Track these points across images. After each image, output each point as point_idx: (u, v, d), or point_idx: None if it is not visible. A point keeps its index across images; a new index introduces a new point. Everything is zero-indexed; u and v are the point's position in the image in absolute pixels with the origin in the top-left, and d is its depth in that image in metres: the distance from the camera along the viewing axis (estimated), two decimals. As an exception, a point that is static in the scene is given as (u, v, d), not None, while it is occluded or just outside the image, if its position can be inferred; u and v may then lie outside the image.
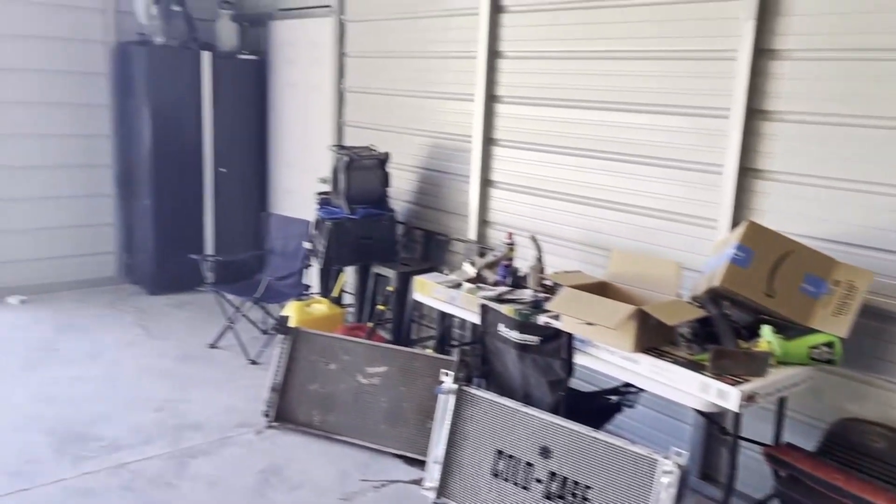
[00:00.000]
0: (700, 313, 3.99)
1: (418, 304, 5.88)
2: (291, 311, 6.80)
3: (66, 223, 9.13)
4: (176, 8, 8.82)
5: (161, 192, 8.93)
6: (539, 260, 5.25)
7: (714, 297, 4.07)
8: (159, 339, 7.60)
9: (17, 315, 8.20)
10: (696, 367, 3.72)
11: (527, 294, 5.03)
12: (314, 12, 8.53)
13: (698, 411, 3.75)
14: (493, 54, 6.35)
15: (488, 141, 6.50)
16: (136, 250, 9.42)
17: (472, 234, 6.66)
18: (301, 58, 8.99)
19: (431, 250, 7.25)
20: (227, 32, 9.36)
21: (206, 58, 8.99)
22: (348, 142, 8.06)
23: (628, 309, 3.89)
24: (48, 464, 5.02)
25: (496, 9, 6.26)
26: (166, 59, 8.80)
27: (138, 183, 9.10)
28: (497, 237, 6.42)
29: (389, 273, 6.85)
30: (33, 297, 8.78)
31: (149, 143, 8.77)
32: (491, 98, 6.43)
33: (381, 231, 7.12)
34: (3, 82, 8.45)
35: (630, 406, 4.58)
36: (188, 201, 9.20)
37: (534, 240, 5.32)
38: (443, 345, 5.78)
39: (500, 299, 4.93)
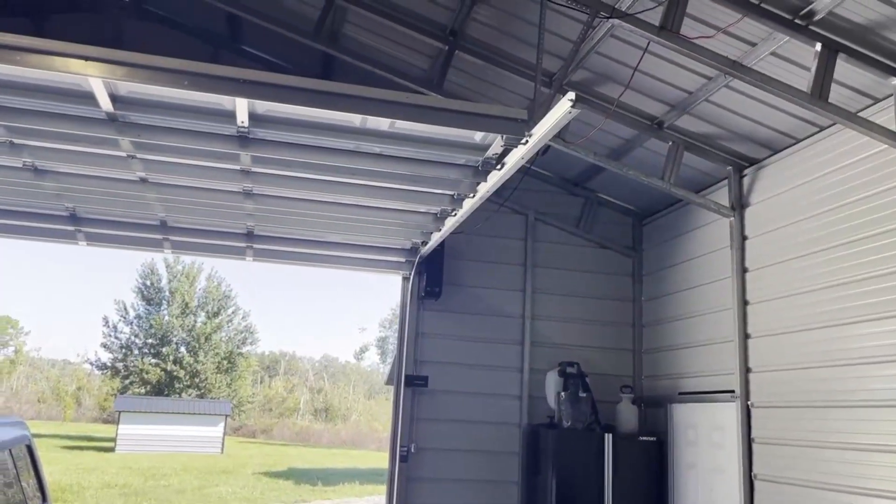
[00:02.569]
0: None
1: None
2: None
3: None
4: (582, 394, 9.65)
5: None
6: None
7: None
8: None
9: None
10: None
11: None
12: (717, 397, 8.60)
13: None
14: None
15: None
16: None
17: None
18: (701, 440, 8.90)
19: None
20: (627, 415, 9.83)
21: (607, 439, 9.42)
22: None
23: None
24: None
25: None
26: (571, 440, 9.43)
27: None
28: None
29: None
30: None
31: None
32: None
33: None
34: (443, 459, 9.82)
35: None
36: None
37: None
38: None
39: None
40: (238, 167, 6.82)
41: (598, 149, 9.61)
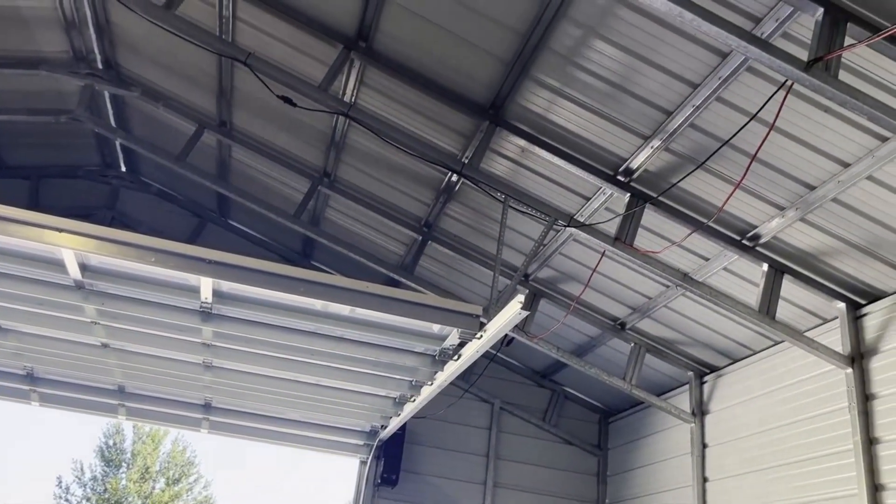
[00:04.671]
0: None
1: None
2: None
3: None
4: None
5: None
6: None
7: None
8: None
9: None
10: None
11: None
12: None
13: None
14: None
15: None
16: None
17: None
18: None
19: None
20: None
21: None
22: None
23: None
24: None
25: None
26: None
27: None
28: None
29: None
30: None
31: None
32: None
33: None
34: None
35: None
36: None
37: None
38: None
39: None
40: (199, 340, 6.88)
41: (564, 344, 9.75)
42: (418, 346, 6.66)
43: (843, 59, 4.60)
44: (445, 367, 6.78)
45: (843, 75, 4.63)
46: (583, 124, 6.35)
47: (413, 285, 9.29)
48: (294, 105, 6.78)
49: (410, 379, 7.42)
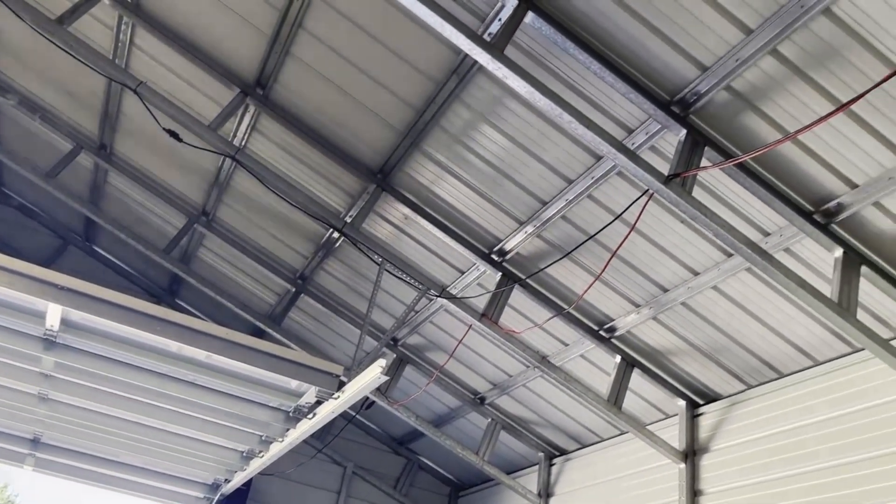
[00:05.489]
0: None
1: None
2: None
3: None
4: None
5: None
6: None
7: None
8: None
9: None
10: None
11: None
12: None
13: None
14: None
15: None
16: None
17: None
18: None
19: None
20: None
21: None
22: None
23: None
24: None
25: None
26: None
27: None
28: None
29: None
30: None
31: None
32: None
33: None
34: None
35: None
36: None
37: None
38: None
39: None
40: (38, 369, 6.41)
41: (424, 412, 9.79)
42: (273, 401, 6.49)
43: (698, 178, 5.08)
44: (299, 424, 6.63)
45: (698, 192, 5.11)
46: (465, 202, 6.59)
47: (279, 336, 9.12)
48: (180, 140, 6.65)
49: (261, 434, 7.18)
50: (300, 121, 6.80)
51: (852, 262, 5.07)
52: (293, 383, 6.14)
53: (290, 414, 6.58)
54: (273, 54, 6.30)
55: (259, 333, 8.88)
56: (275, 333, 9.16)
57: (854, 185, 4.77)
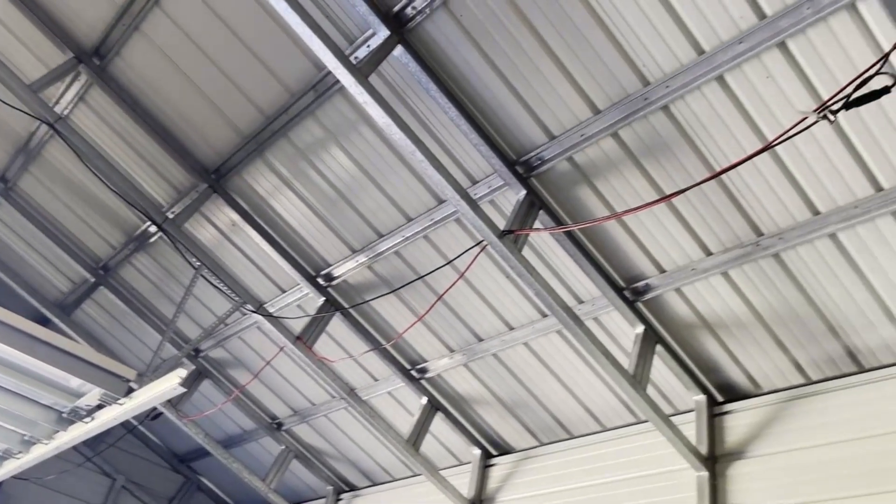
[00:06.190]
0: None
1: None
2: None
3: None
4: None
5: None
6: None
7: None
8: None
9: None
10: None
11: None
12: None
13: None
14: None
15: None
16: None
17: None
18: None
19: None
20: None
21: None
22: None
23: None
24: None
25: None
26: None
27: None
28: None
29: None
30: None
31: None
32: None
33: None
34: None
35: None
36: None
37: None
38: None
39: None
40: None
41: (215, 431, 9.27)
42: (46, 398, 5.82)
43: (529, 238, 5.30)
44: (71, 427, 5.99)
45: (527, 251, 5.32)
46: (300, 219, 6.40)
47: (65, 328, 8.31)
48: (-9, 93, 5.94)
49: (25, 433, 6.40)
50: (137, 102, 6.32)
51: (650, 340, 5.49)
52: (74, 381, 5.54)
53: (64, 415, 5.93)
54: (120, 25, 5.82)
55: (43, 321, 8.00)
56: (61, 324, 8.32)
57: (662, 270, 5.20)
